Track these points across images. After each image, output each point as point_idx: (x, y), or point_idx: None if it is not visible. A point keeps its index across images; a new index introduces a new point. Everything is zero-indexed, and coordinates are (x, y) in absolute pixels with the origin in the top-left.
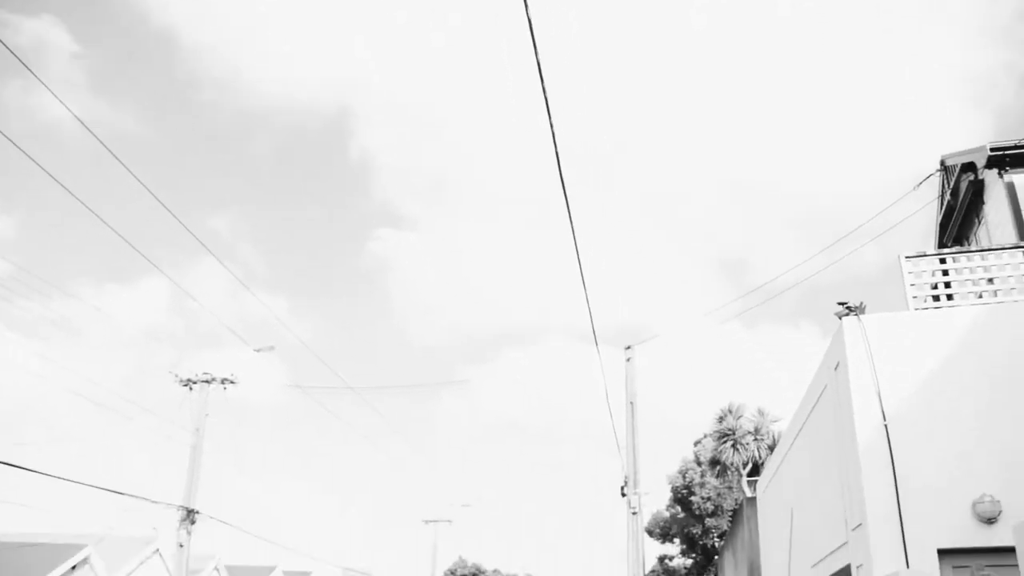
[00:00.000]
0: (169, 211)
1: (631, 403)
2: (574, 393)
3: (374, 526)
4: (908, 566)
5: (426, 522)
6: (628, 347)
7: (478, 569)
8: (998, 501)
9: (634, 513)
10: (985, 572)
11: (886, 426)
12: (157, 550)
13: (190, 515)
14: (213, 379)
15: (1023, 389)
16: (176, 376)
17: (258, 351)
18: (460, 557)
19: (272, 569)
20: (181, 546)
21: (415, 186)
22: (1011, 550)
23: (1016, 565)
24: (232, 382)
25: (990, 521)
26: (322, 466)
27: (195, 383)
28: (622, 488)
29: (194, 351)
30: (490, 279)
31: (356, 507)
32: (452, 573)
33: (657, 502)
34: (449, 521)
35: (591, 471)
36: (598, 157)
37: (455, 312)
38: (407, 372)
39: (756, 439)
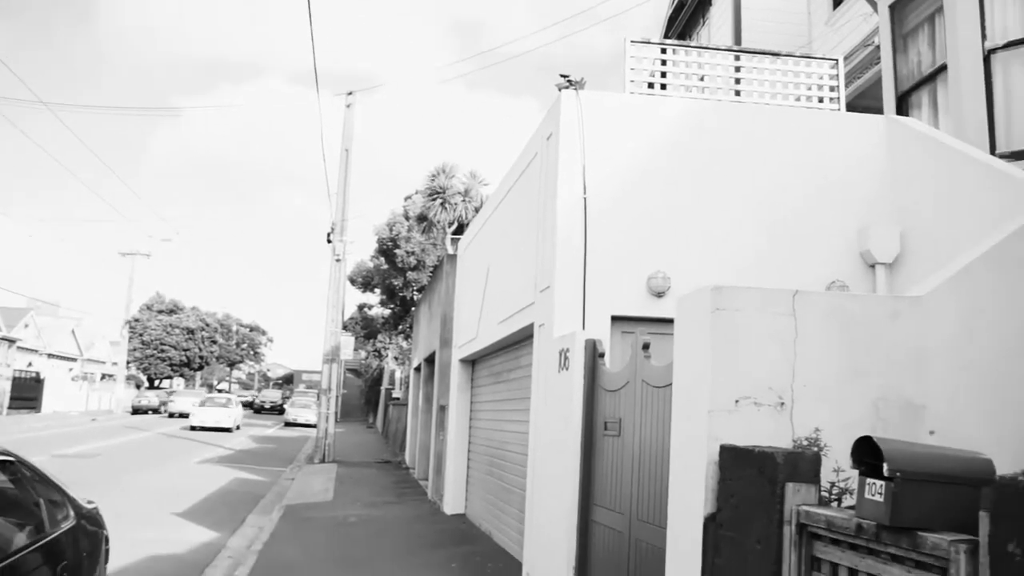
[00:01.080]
0: None
1: (346, 150)
2: (288, 136)
3: (66, 257)
4: (584, 328)
5: (123, 255)
6: (350, 93)
7: (176, 306)
8: (669, 278)
9: (338, 260)
10: (647, 337)
11: (585, 199)
12: None
13: None
14: None
15: (717, 182)
16: None
17: None
18: (158, 292)
19: None
20: None
21: None
22: (671, 321)
23: (672, 333)
24: None
25: (660, 295)
26: (9, 190)
27: None
28: (328, 235)
29: None
30: (209, 3)
31: (46, 236)
32: (148, 308)
33: (363, 252)
34: (148, 255)
35: (300, 216)
36: None
37: (169, 37)
38: (113, 94)
39: (465, 200)
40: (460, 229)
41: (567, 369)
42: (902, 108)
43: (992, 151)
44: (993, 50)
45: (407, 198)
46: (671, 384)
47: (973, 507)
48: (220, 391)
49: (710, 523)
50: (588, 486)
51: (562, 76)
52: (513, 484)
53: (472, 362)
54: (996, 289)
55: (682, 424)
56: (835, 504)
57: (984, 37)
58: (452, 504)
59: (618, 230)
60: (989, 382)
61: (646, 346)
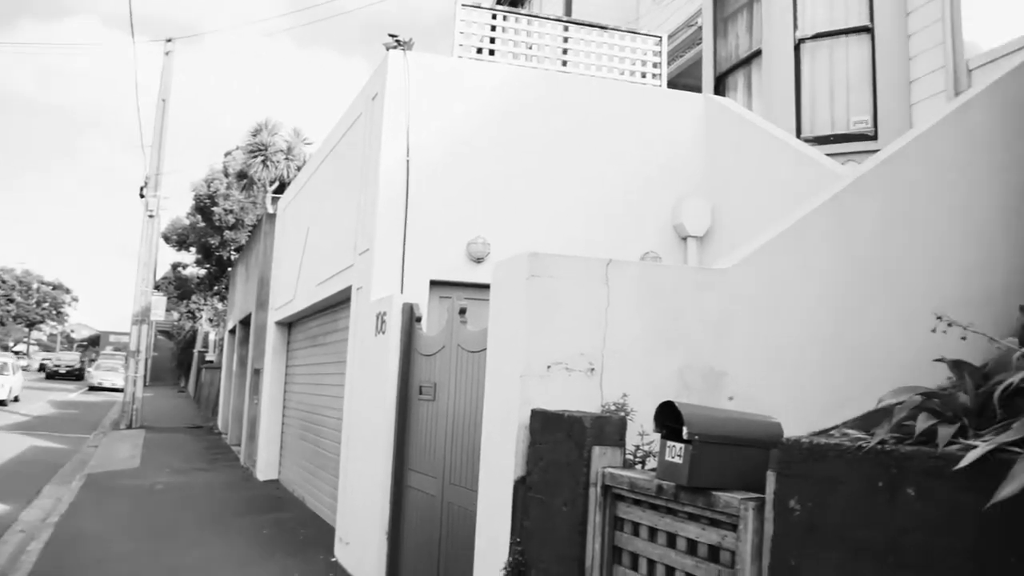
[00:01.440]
0: None
1: (163, 101)
2: (101, 83)
3: None
4: (402, 291)
5: None
6: (169, 40)
7: None
8: (489, 244)
9: (151, 216)
10: (464, 302)
11: (408, 162)
12: None
13: None
14: None
15: (543, 151)
16: None
17: None
18: None
19: None
20: None
21: None
22: (488, 286)
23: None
24: None
25: (479, 260)
26: None
27: None
28: (142, 189)
29: None
30: None
31: None
32: None
33: (179, 209)
34: None
35: (111, 169)
36: None
37: None
38: None
39: (287, 158)
40: (282, 188)
41: (384, 333)
42: (720, 88)
43: (798, 134)
44: (803, 40)
45: (227, 154)
46: (486, 349)
47: (763, 468)
48: (18, 353)
49: (520, 486)
50: (402, 450)
51: (391, 36)
52: (328, 449)
53: (289, 325)
54: (795, 263)
55: (495, 388)
56: (639, 467)
57: (796, 27)
58: (265, 470)
59: (441, 195)
60: (785, 351)
61: (463, 311)
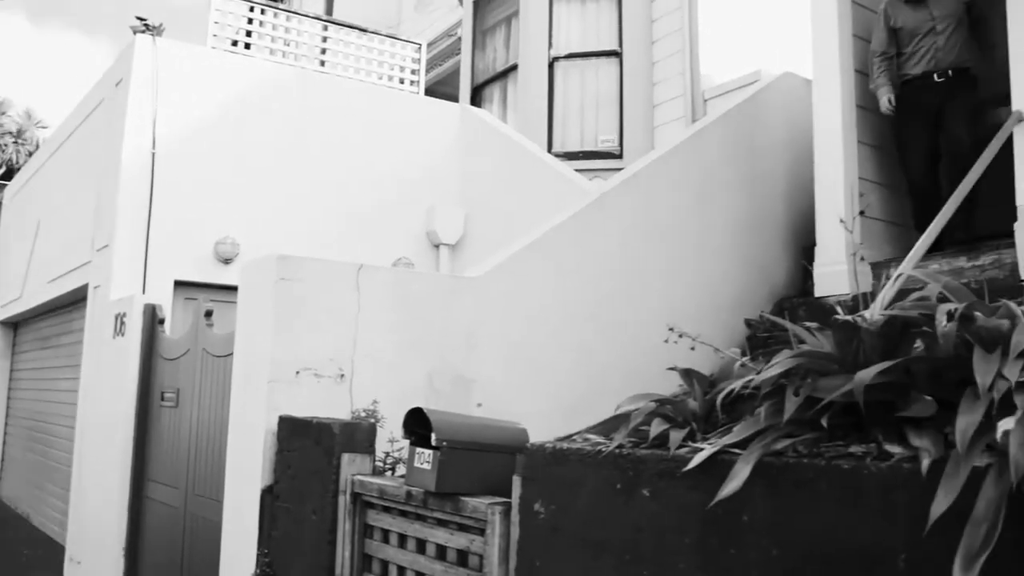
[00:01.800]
0: None
1: None
2: None
3: None
4: (144, 292)
5: None
6: None
7: None
8: (238, 244)
9: None
10: (210, 304)
11: (154, 154)
12: None
13: None
14: None
15: (300, 151)
16: None
17: None
18: None
19: None
20: None
21: None
22: (236, 288)
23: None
24: None
25: (228, 261)
26: None
27: None
28: None
29: None
30: None
31: None
32: None
33: None
34: None
35: None
36: None
37: None
38: None
39: (17, 142)
40: (10, 174)
41: (123, 335)
42: (477, 99)
43: (550, 149)
44: (557, 58)
45: None
46: (233, 353)
47: (510, 473)
48: None
49: (267, 495)
50: (142, 460)
51: (139, 19)
52: (58, 461)
53: (15, 325)
54: (544, 274)
55: (242, 394)
56: (389, 473)
57: (551, 45)
58: None
59: (190, 191)
60: (533, 359)
61: (209, 313)
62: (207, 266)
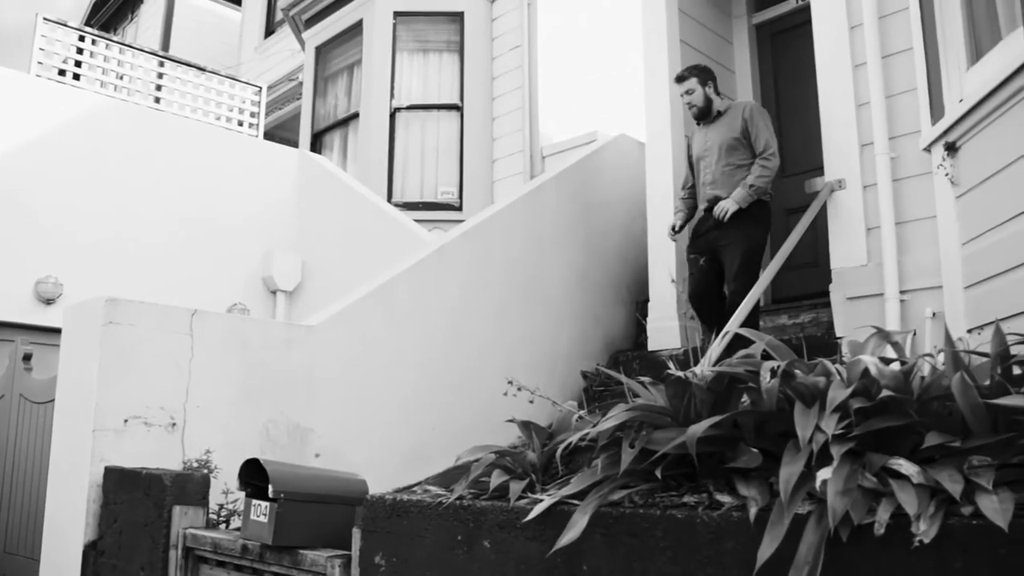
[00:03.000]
0: None
1: None
2: None
3: None
4: None
5: None
6: None
7: None
8: (62, 284)
9: None
10: (29, 347)
11: None
12: None
13: None
14: None
15: (131, 190)
16: None
17: None
18: None
19: None
20: None
21: None
22: (59, 331)
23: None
24: None
25: (49, 302)
26: None
27: None
28: None
29: None
30: None
31: None
32: None
33: None
34: None
35: None
36: None
37: None
38: None
39: None
40: None
41: None
42: (317, 145)
43: (390, 198)
44: (399, 109)
45: None
46: (55, 400)
47: (350, 524)
48: None
49: (91, 551)
50: None
51: None
52: None
53: None
54: (382, 323)
55: (64, 444)
56: (224, 526)
57: (393, 96)
58: None
59: (8, 225)
60: (372, 409)
61: (27, 356)
62: (27, 306)
